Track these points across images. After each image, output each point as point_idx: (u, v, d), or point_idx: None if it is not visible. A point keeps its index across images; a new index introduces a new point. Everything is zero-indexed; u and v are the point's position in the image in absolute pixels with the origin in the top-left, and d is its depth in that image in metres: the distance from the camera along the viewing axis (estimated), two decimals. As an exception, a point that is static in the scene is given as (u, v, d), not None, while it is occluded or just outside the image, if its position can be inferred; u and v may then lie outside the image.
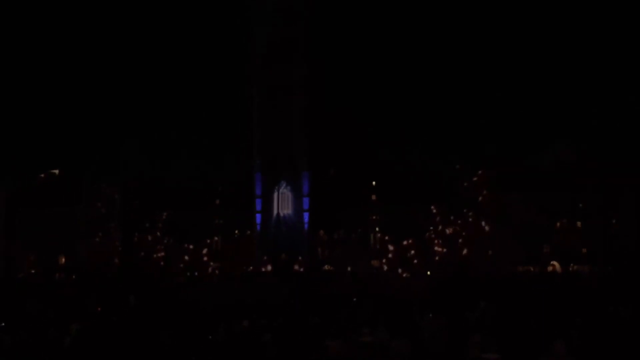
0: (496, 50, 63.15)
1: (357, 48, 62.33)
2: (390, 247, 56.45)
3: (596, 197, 54.08)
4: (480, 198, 54.91)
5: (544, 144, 59.21)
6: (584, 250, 54.11)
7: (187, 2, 63.39)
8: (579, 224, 55.11)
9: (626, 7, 57.68)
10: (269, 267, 55.01)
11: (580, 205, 54.89)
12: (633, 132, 55.60)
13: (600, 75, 59.76)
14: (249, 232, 58.02)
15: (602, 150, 54.68)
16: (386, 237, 56.92)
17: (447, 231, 55.11)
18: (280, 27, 57.84)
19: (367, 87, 62.64)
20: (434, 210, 55.96)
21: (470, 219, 54.61)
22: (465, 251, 53.00)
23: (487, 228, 53.53)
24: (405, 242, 55.95)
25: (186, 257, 56.58)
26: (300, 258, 55.66)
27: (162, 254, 56.87)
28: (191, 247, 57.19)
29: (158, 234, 57.56)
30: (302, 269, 54.67)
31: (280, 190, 57.68)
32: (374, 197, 58.09)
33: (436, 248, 55.04)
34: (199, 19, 63.00)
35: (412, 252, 55.52)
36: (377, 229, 57.82)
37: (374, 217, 57.91)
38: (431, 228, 56.06)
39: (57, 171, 57.79)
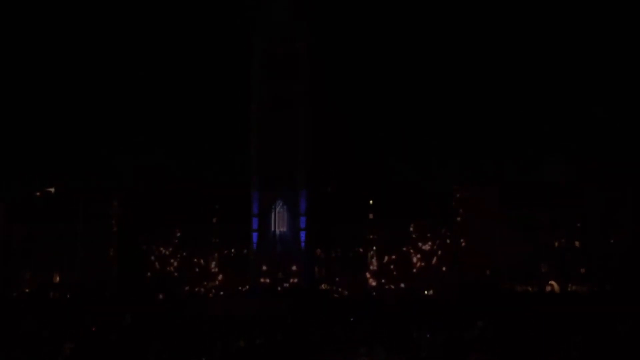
0: (489, 70, 63.66)
1: (354, 70, 62.91)
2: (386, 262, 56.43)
3: (594, 214, 53.98)
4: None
5: (541, 160, 59.39)
6: (583, 270, 53.92)
7: (186, 19, 63.90)
8: (577, 243, 54.96)
9: (617, 19, 58.49)
10: (266, 285, 54.80)
11: (579, 224, 54.78)
12: (629, 152, 55.69)
13: (596, 90, 60.22)
14: (245, 250, 57.86)
15: (599, 167, 54.69)
16: (374, 255, 56.91)
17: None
18: (281, 42, 57.49)
19: (365, 104, 63.09)
20: (428, 227, 56.15)
21: (466, 237, 54.56)
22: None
23: (485, 245, 53.39)
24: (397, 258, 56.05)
25: (183, 274, 56.54)
26: (296, 276, 55.43)
27: (159, 269, 56.90)
28: (190, 262, 57.29)
29: (155, 250, 57.51)
30: (298, 287, 54.40)
31: (277, 209, 57.41)
32: (371, 215, 57.94)
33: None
34: (198, 36, 63.45)
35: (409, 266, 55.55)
36: (374, 247, 57.62)
37: (371, 236, 57.78)
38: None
39: (52, 189, 57.70)
